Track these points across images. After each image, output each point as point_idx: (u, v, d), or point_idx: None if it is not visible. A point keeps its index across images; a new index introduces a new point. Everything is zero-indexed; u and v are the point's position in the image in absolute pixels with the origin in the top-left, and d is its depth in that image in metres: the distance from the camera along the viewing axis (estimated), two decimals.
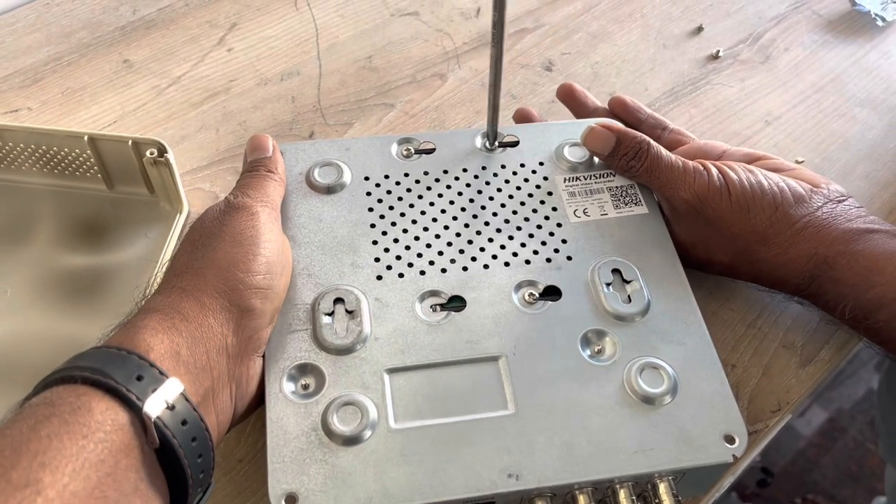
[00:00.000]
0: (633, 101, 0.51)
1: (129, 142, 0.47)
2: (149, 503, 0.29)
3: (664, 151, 0.44)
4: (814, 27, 0.65)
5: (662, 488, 0.36)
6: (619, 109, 0.51)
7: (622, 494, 0.36)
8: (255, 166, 0.42)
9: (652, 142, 0.44)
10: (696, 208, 0.42)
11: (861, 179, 0.54)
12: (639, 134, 0.45)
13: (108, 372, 0.29)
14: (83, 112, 0.56)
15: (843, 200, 0.43)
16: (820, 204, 0.42)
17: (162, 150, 0.46)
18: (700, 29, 0.64)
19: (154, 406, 0.30)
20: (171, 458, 0.30)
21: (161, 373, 0.31)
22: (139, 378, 0.30)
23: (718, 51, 0.62)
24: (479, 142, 0.47)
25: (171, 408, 0.30)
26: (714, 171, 0.42)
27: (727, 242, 0.43)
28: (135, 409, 0.29)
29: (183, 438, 0.30)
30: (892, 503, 0.83)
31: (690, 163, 0.43)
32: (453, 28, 0.63)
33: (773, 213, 0.42)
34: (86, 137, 0.47)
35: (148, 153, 0.46)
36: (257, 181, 0.41)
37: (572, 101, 0.53)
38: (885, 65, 0.62)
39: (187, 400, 0.31)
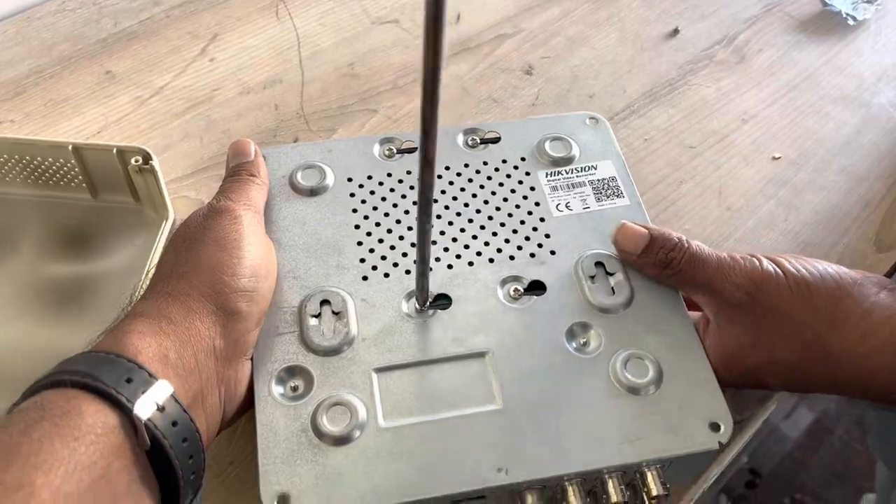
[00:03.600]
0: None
1: (114, 150, 0.47)
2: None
3: (704, 246, 0.40)
4: (786, 28, 0.66)
5: (650, 477, 0.36)
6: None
7: (611, 484, 0.36)
8: (237, 171, 0.43)
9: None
10: (750, 295, 0.38)
11: (836, 174, 0.55)
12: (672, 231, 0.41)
13: (98, 375, 0.30)
14: (66, 123, 0.56)
15: (895, 288, 0.38)
16: (876, 289, 0.38)
17: (147, 158, 0.47)
18: (676, 31, 0.65)
19: (144, 408, 0.30)
20: (163, 460, 0.30)
21: (150, 375, 0.31)
22: (129, 380, 0.30)
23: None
24: (460, 139, 0.48)
25: (161, 409, 0.30)
26: (764, 259, 0.39)
27: (792, 333, 0.37)
28: (125, 411, 0.29)
29: (174, 439, 0.31)
30: (882, 499, 0.83)
31: (735, 254, 0.39)
32: None
33: (836, 292, 0.37)
34: (70, 147, 0.47)
35: (133, 161, 0.47)
36: (239, 185, 0.42)
37: None
38: (857, 63, 0.63)
39: (177, 402, 0.31)
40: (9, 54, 0.60)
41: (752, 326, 0.38)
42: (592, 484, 0.37)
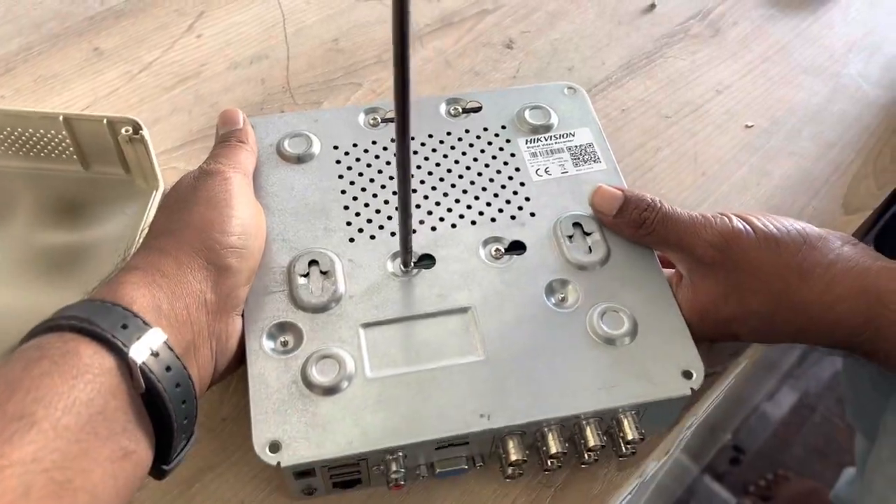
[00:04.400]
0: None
1: (104, 121, 0.48)
2: (137, 443, 0.31)
3: (676, 206, 0.42)
4: (760, 2, 0.68)
5: (626, 423, 0.38)
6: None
7: (588, 430, 0.38)
8: (226, 137, 0.44)
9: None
10: (721, 251, 0.39)
11: (807, 141, 0.57)
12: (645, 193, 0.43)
13: (95, 320, 0.31)
14: (56, 98, 0.57)
15: (857, 243, 0.41)
16: (839, 243, 0.40)
17: (137, 128, 0.48)
18: (653, 6, 0.67)
19: (139, 352, 0.31)
20: (157, 403, 0.32)
21: (145, 322, 0.32)
22: (124, 326, 0.31)
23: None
24: (443, 109, 0.49)
25: (155, 355, 0.32)
26: (734, 216, 0.41)
27: (762, 286, 0.39)
28: (121, 355, 0.31)
29: (167, 383, 0.32)
30: (862, 470, 0.85)
31: (706, 213, 0.41)
32: (416, 10, 0.65)
33: (802, 245, 0.39)
34: (61, 118, 0.48)
35: (123, 131, 0.48)
36: (229, 150, 0.43)
37: None
38: (828, 35, 0.65)
39: (170, 349, 0.33)
40: None
41: (723, 281, 0.40)
42: (571, 431, 0.38)
